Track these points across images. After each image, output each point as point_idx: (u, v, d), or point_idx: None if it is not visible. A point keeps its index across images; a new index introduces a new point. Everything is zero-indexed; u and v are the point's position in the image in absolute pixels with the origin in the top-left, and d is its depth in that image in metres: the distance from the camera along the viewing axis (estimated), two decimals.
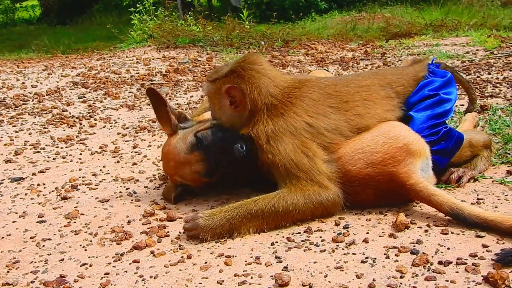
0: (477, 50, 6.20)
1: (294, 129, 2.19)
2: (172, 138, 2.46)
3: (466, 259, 1.77)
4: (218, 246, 2.02)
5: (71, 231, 2.23)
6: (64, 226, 2.29)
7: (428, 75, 2.54)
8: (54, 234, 2.22)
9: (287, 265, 1.83)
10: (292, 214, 2.12)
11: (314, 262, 1.84)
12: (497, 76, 4.64)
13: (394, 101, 2.43)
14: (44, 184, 2.84)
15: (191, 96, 4.90)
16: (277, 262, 1.86)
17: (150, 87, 2.47)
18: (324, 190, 2.13)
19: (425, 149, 2.23)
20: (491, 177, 2.47)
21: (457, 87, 2.66)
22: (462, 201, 2.23)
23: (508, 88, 4.14)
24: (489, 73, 4.78)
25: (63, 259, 1.99)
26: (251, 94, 2.24)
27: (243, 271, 1.81)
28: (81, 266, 1.93)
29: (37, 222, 2.35)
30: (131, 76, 6.06)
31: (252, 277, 1.77)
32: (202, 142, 2.36)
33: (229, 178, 2.47)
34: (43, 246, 2.11)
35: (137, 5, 9.61)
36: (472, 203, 2.22)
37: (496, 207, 2.17)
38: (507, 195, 2.28)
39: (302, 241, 2.01)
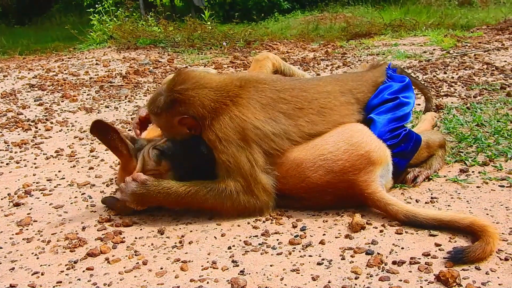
0: (434, 49, 6.33)
1: (242, 130, 2.19)
2: (133, 161, 2.36)
3: (420, 259, 1.80)
4: (175, 251, 2.00)
5: (23, 239, 2.17)
6: (16, 233, 2.23)
7: (387, 80, 2.58)
8: (5, 242, 2.15)
9: (244, 269, 1.83)
10: (220, 209, 2.23)
11: (271, 265, 1.84)
12: (452, 75, 4.74)
13: (354, 106, 2.45)
14: None
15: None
16: (233, 266, 1.85)
17: (95, 120, 2.28)
18: (255, 199, 2.22)
19: (386, 155, 2.25)
20: (445, 176, 2.52)
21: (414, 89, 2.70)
22: (416, 201, 2.28)
23: (462, 87, 4.23)
24: (445, 73, 4.88)
25: (13, 268, 1.94)
26: (198, 112, 2.23)
27: (199, 276, 1.80)
28: (32, 274, 1.88)
29: None
30: (90, 78, 5.95)
31: (208, 282, 1.76)
32: (165, 153, 2.33)
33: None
34: None
35: (97, 6, 9.44)
36: (426, 202, 2.26)
37: (449, 205, 2.21)
38: (459, 193, 2.32)
39: (259, 244, 2.01)
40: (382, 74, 2.62)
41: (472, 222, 1.90)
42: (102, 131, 2.30)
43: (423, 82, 4.41)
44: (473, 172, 2.53)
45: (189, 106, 2.23)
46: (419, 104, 3.67)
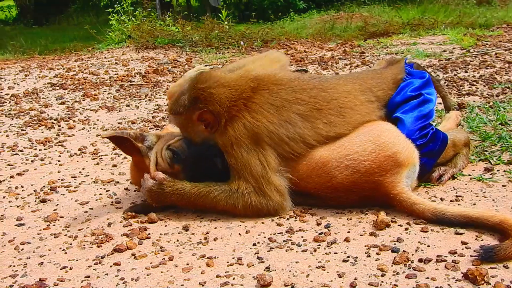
0: (453, 48, 6.28)
1: (255, 136, 2.21)
2: (145, 160, 2.41)
3: (446, 256, 1.80)
4: (200, 248, 2.01)
5: (50, 234, 2.21)
6: (44, 229, 2.27)
7: (406, 77, 2.56)
8: (33, 238, 2.19)
9: (269, 265, 1.84)
10: (232, 211, 2.25)
11: (296, 262, 1.85)
12: (473, 74, 4.71)
13: (374, 105, 2.44)
14: (22, 186, 2.80)
15: None
16: (259, 263, 1.86)
17: (111, 135, 2.40)
18: (268, 200, 2.22)
19: (414, 156, 2.22)
20: (469, 175, 2.50)
21: None
22: (440, 199, 2.27)
23: (484, 86, 4.20)
24: (466, 71, 4.85)
25: (42, 262, 1.97)
26: (216, 109, 2.24)
27: (225, 272, 1.81)
28: (61, 269, 1.91)
29: (16, 225, 2.32)
30: (110, 77, 6.00)
31: (234, 278, 1.77)
32: (179, 155, 2.36)
33: None
34: (22, 249, 2.08)
35: (115, 6, 9.52)
36: (451, 201, 2.25)
37: (474, 204, 2.20)
38: (485, 192, 2.31)
39: (284, 241, 2.01)
40: (401, 71, 2.60)
41: (502, 220, 1.89)
42: (118, 141, 2.41)
43: (444, 82, 4.39)
44: (498, 171, 2.51)
45: (209, 102, 2.25)
46: (440, 103, 3.64)
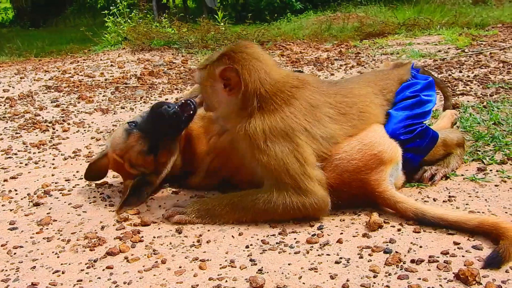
0: (448, 48, 6.29)
1: (292, 131, 2.15)
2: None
3: (438, 257, 1.80)
4: (193, 250, 2.01)
5: (43, 238, 2.20)
6: (36, 233, 2.26)
7: (411, 79, 2.60)
8: (26, 241, 2.18)
9: (262, 267, 1.84)
10: (272, 216, 2.17)
11: (289, 264, 1.85)
12: (468, 74, 4.71)
13: (385, 108, 2.47)
14: (16, 190, 2.79)
15: (166, 99, 4.86)
16: (251, 265, 1.86)
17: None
18: (310, 196, 2.12)
19: (397, 155, 2.27)
20: (462, 175, 2.50)
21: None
22: (433, 199, 2.27)
23: (478, 86, 4.20)
24: (460, 71, 4.85)
25: (35, 266, 1.96)
26: (243, 75, 2.16)
27: (218, 275, 1.81)
28: (53, 273, 1.90)
29: (9, 229, 2.31)
30: (105, 79, 6.00)
31: (226, 281, 1.77)
32: (136, 124, 2.48)
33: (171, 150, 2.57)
34: (15, 253, 2.08)
35: (111, 7, 9.51)
36: (443, 201, 2.26)
37: (467, 204, 2.20)
38: (477, 192, 2.31)
39: (276, 243, 2.01)
40: (407, 72, 2.66)
41: (481, 222, 1.90)
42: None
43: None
44: (491, 170, 2.52)
45: (236, 63, 2.17)
46: (441, 99, 3.65)
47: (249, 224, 2.20)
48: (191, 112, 2.51)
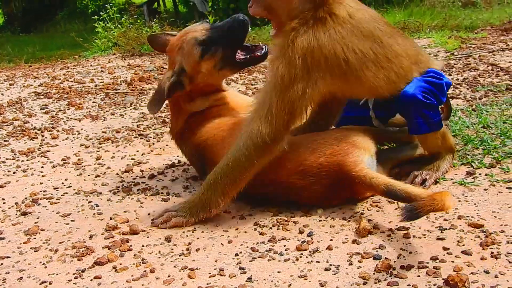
0: (438, 51, 6.31)
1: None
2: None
3: (428, 263, 1.80)
4: (182, 259, 2.00)
5: (30, 248, 2.18)
6: (24, 242, 2.24)
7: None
8: (13, 252, 2.16)
9: (251, 275, 1.83)
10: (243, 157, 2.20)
11: (278, 272, 1.84)
12: (457, 77, 4.73)
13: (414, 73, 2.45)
14: (3, 199, 2.76)
15: None
16: (241, 273, 1.85)
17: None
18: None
19: (371, 147, 2.37)
20: (451, 179, 2.50)
21: None
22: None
23: (467, 89, 4.22)
24: (449, 74, 4.86)
25: (21, 277, 1.94)
26: None
27: (207, 284, 1.80)
28: (40, 284, 1.88)
29: None
30: (95, 86, 5.97)
31: None
32: (213, 25, 2.66)
33: (222, 65, 2.68)
34: (1, 264, 2.06)
35: (101, 13, 9.48)
36: None
37: (456, 208, 2.20)
38: (467, 196, 2.31)
39: (266, 250, 2.00)
40: (440, 64, 2.72)
41: (432, 195, 1.93)
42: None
43: None
44: (480, 174, 2.52)
45: None
46: None
47: (238, 231, 2.19)
48: (259, 55, 2.73)
